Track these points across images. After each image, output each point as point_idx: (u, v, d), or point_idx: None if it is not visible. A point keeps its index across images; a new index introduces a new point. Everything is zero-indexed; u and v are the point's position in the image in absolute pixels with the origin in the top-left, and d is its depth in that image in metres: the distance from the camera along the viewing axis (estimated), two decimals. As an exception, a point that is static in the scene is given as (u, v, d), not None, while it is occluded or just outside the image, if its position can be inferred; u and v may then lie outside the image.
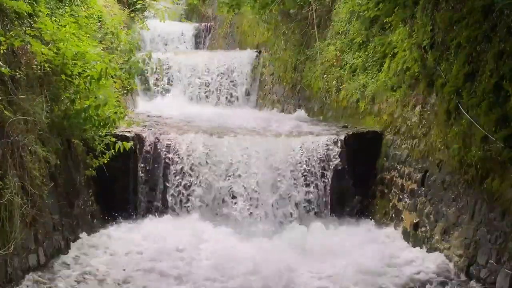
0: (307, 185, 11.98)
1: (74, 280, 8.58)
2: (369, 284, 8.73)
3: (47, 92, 9.37)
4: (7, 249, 7.48)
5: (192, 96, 19.88)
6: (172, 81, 20.04)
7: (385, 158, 11.91)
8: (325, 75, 15.58)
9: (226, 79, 20.23)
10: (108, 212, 11.67)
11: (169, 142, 12.01)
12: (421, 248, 10.07)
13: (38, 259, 8.63)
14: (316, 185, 12.00)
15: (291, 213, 11.86)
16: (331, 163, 12.07)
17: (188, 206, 11.80)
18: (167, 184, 11.90)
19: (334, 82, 15.08)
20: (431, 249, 9.83)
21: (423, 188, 10.41)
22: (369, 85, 13.27)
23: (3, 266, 7.55)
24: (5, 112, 7.93)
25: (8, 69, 8.19)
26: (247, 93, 20.28)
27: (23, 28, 9.32)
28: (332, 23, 16.05)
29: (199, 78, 20.11)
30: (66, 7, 11.56)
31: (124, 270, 9.07)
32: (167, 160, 11.92)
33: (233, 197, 11.80)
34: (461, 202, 9.23)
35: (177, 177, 11.88)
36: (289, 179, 11.95)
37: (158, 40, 24.31)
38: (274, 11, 17.63)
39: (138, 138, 11.92)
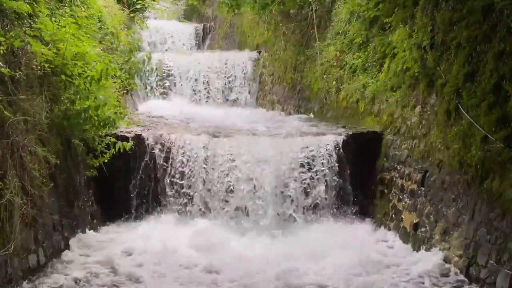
0: (309, 185, 11.99)
1: (74, 281, 8.57)
2: (368, 284, 8.73)
3: (47, 93, 9.37)
4: (7, 250, 7.48)
5: (192, 96, 19.90)
6: (172, 82, 20.05)
7: (385, 158, 11.91)
8: (325, 76, 15.58)
9: (226, 79, 20.24)
10: (108, 212, 11.67)
11: (169, 143, 12.00)
12: (421, 248, 10.07)
13: (38, 260, 8.63)
14: (319, 185, 12.02)
15: (292, 212, 11.87)
16: (332, 162, 12.10)
17: (190, 207, 11.79)
18: (168, 185, 11.88)
19: (334, 82, 15.08)
20: (431, 249, 9.82)
21: (423, 188, 10.40)
22: (369, 85, 13.27)
23: (3, 267, 7.55)
24: (5, 112, 7.93)
25: (8, 69, 8.19)
26: (247, 94, 20.28)
27: (23, 28, 9.30)
28: (332, 24, 16.05)
29: (199, 78, 20.12)
30: (66, 7, 11.55)
31: (124, 271, 9.08)
32: (167, 160, 11.92)
33: (231, 192, 11.82)
34: (461, 202, 9.23)
35: (178, 178, 11.87)
36: (294, 179, 11.97)
37: (157, 40, 24.32)
38: (274, 11, 17.63)
39: (138, 139, 11.92)
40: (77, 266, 9.11)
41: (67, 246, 9.68)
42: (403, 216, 10.91)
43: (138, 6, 19.07)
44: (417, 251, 10.10)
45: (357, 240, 10.60)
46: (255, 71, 20.38)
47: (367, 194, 12.25)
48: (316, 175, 12.01)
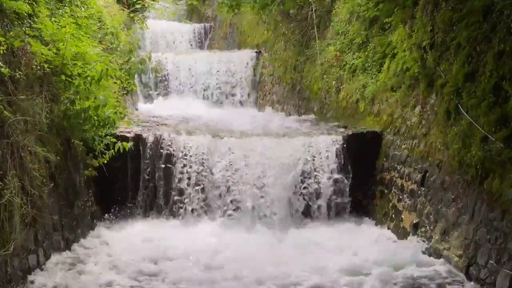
0: (308, 185, 11.99)
1: (74, 281, 8.57)
2: (368, 284, 8.73)
3: (47, 93, 9.37)
4: (7, 250, 7.48)
5: (191, 96, 19.89)
6: (171, 82, 20.05)
7: (385, 159, 11.90)
8: (325, 76, 15.58)
9: (226, 79, 20.25)
10: (108, 213, 11.66)
11: (170, 143, 11.99)
12: (420, 248, 10.07)
13: (38, 260, 8.62)
14: (318, 185, 12.02)
15: (291, 212, 11.87)
16: (332, 163, 12.10)
17: (189, 208, 11.78)
18: (168, 185, 11.87)
19: (334, 82, 15.08)
20: (430, 250, 9.83)
21: (423, 189, 10.40)
22: (368, 85, 13.27)
23: (3, 266, 7.54)
24: (5, 112, 7.93)
25: (8, 69, 8.19)
26: (247, 94, 20.29)
27: (23, 28, 9.31)
28: (332, 24, 16.05)
29: (198, 78, 20.12)
30: (66, 7, 11.55)
31: (123, 271, 9.09)
32: (167, 161, 11.91)
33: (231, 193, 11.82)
34: (461, 202, 9.23)
35: (178, 178, 11.86)
36: (293, 179, 11.97)
37: (158, 40, 24.32)
38: (274, 11, 17.62)
39: (138, 138, 11.91)
40: (77, 266, 9.11)
41: (67, 246, 9.68)
42: (403, 216, 10.91)
43: (138, 6, 19.07)
44: (416, 251, 10.09)
45: (357, 240, 10.59)
46: (255, 71, 20.37)
47: (367, 194, 12.25)
48: (316, 175, 12.00)
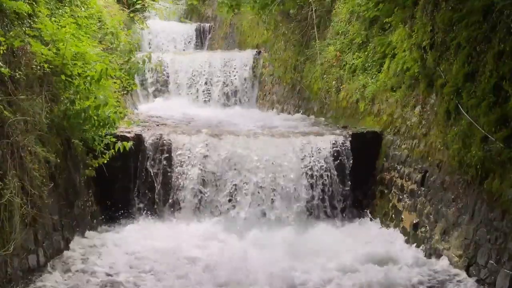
0: (309, 185, 11.99)
1: (74, 281, 8.57)
2: (368, 285, 8.73)
3: (47, 93, 9.37)
4: (7, 250, 7.48)
5: (191, 96, 19.90)
6: (171, 82, 20.06)
7: (385, 159, 11.91)
8: (325, 76, 15.58)
9: (226, 79, 20.24)
10: (108, 213, 11.66)
11: (170, 143, 11.99)
12: (420, 248, 10.07)
13: (37, 260, 8.62)
14: (319, 185, 12.02)
15: (292, 213, 11.87)
16: (332, 163, 12.10)
17: (189, 208, 11.78)
18: (169, 185, 11.88)
19: (334, 82, 15.08)
20: (430, 250, 9.83)
21: (423, 189, 10.41)
22: (368, 85, 13.27)
23: (3, 267, 7.55)
24: (5, 112, 7.93)
25: (8, 69, 8.19)
26: (247, 94, 20.28)
27: (23, 28, 9.31)
28: (332, 24, 16.06)
29: (198, 78, 20.12)
30: (66, 7, 11.56)
31: (123, 271, 9.09)
32: (167, 160, 11.91)
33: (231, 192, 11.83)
34: (461, 202, 9.23)
35: (179, 178, 11.86)
36: (293, 179, 11.97)
37: (157, 40, 24.32)
38: (274, 11, 17.63)
39: (138, 139, 11.91)
40: (77, 266, 9.10)
41: (67, 246, 9.68)
42: (403, 216, 10.92)
43: (138, 6, 19.09)
44: (416, 251, 10.10)
45: (356, 241, 10.59)
46: (255, 71, 20.37)
47: (367, 194, 12.25)
48: (316, 175, 12.00)
